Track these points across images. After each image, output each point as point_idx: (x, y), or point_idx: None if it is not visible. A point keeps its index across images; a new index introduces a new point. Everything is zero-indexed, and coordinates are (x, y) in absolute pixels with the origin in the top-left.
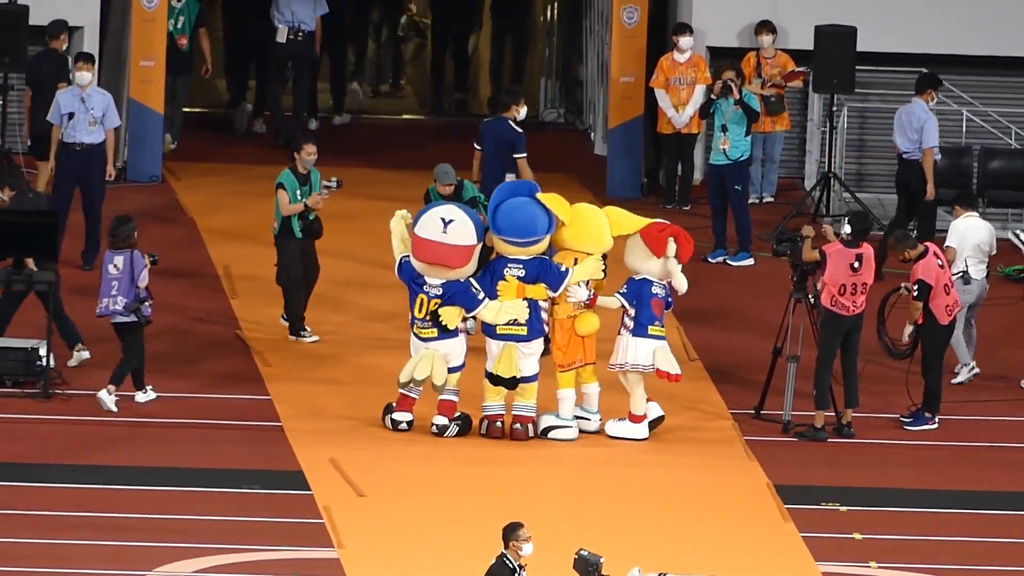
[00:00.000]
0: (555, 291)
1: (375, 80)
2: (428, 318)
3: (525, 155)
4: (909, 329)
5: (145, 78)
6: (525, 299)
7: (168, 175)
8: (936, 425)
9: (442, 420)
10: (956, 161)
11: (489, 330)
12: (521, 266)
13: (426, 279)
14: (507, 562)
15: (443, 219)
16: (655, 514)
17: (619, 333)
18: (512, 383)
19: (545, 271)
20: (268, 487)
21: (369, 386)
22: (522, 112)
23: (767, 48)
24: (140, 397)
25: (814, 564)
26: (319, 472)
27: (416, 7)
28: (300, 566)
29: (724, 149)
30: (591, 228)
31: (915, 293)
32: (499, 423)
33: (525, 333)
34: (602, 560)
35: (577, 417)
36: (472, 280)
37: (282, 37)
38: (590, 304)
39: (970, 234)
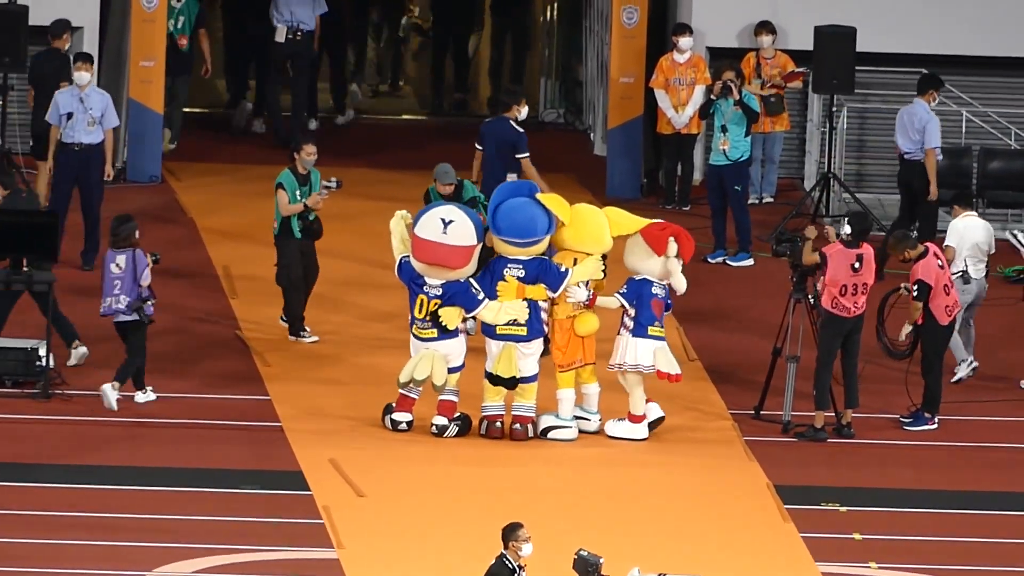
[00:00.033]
0: (555, 291)
1: (375, 80)
2: (428, 318)
3: (528, 155)
4: (907, 329)
5: (145, 78)
6: (525, 299)
7: (168, 175)
8: (936, 425)
9: (442, 420)
10: (956, 162)
11: (489, 330)
12: (521, 266)
13: (426, 279)
14: (507, 562)
15: (443, 219)
16: (655, 514)
17: (619, 333)
18: (512, 383)
19: (545, 271)
20: (268, 487)
21: (369, 386)
22: (523, 112)
23: (767, 48)
24: (140, 397)
25: (814, 564)
26: (319, 472)
27: (416, 8)
28: (300, 566)
29: (724, 149)
30: (591, 228)
31: (915, 293)
32: (499, 423)
33: (525, 333)
34: (602, 560)
35: (577, 417)
36: (472, 280)
37: (281, 37)
38: (590, 304)
39: (969, 233)
